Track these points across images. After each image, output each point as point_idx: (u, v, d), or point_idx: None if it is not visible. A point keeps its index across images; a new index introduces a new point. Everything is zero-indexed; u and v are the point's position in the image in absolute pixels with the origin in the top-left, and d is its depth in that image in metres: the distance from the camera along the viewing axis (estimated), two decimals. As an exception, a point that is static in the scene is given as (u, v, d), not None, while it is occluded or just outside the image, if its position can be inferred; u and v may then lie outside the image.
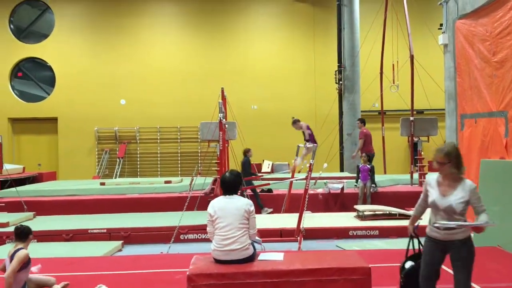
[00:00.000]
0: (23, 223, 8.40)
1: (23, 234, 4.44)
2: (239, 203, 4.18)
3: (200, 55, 18.32)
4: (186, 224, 7.93)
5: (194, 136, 17.93)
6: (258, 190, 10.60)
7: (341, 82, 15.23)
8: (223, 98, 9.97)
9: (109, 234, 7.96)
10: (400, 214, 8.57)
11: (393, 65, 13.31)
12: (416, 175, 11.83)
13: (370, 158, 10.74)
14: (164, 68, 18.19)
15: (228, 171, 4.41)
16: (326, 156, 12.45)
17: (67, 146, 18.01)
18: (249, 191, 9.87)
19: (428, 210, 4.16)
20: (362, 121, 11.72)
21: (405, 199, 10.27)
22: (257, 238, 4.37)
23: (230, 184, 4.26)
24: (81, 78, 18.03)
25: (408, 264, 4.16)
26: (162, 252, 6.89)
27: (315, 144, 8.03)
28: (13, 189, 10.87)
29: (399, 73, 13.18)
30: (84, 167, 17.91)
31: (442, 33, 8.16)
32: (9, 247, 4.47)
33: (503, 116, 6.46)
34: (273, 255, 4.33)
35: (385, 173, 13.94)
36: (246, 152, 10.72)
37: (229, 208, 4.14)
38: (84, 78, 18.03)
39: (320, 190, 10.63)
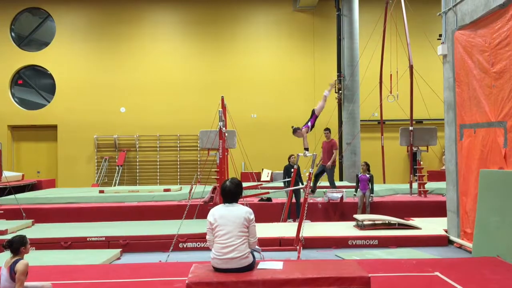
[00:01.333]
0: (22, 231, 8.43)
1: (13, 248, 4.33)
2: (239, 211, 4.19)
3: (200, 64, 18.39)
4: (185, 233, 7.91)
5: (194, 144, 17.95)
6: (257, 199, 10.61)
7: (340, 91, 15.28)
8: (223, 106, 9.99)
9: (108, 242, 7.93)
10: (400, 224, 8.56)
11: (391, 75, 13.37)
12: (415, 185, 11.84)
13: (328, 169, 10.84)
14: (164, 77, 18.25)
15: (229, 179, 4.41)
16: (326, 165, 12.43)
17: (67, 154, 18.01)
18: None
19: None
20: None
21: (404, 209, 10.29)
22: (256, 247, 4.37)
23: (230, 193, 4.27)
24: (81, 86, 18.08)
25: None
26: (160, 261, 6.87)
27: (314, 154, 8.04)
28: (12, 196, 10.85)
29: (398, 83, 13.24)
30: (83, 174, 17.91)
31: (441, 43, 8.20)
32: (7, 255, 4.43)
33: (502, 127, 6.48)
34: (272, 264, 4.33)
35: (384, 182, 13.95)
36: (289, 158, 10.68)
37: (229, 216, 4.15)
38: (84, 86, 18.09)
39: (319, 199, 10.62)
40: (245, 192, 8.81)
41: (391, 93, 13.24)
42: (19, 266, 4.24)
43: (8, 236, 7.75)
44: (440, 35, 8.40)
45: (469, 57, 7.33)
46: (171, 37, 18.66)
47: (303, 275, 4.02)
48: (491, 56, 6.73)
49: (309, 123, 9.23)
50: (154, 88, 18.21)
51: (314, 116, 9.27)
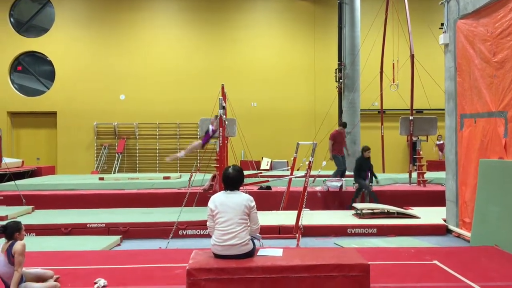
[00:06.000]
0: (22, 217, 8.45)
1: (7, 234, 4.32)
2: (240, 199, 4.20)
3: (200, 52, 18.31)
4: (185, 220, 7.95)
5: (193, 132, 17.95)
6: (256, 188, 10.64)
7: (341, 80, 15.23)
8: (223, 94, 9.96)
9: (108, 229, 7.96)
10: (399, 213, 8.60)
11: (393, 64, 13.32)
12: (414, 174, 11.87)
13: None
14: (164, 64, 18.18)
15: (231, 166, 4.41)
16: (325, 154, 12.46)
17: (66, 141, 18.01)
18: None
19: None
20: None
21: (403, 198, 10.31)
22: (257, 234, 4.39)
23: (232, 180, 4.28)
24: (81, 73, 18.02)
25: None
26: (160, 247, 6.90)
27: (314, 142, 8.02)
28: (12, 182, 10.87)
29: (399, 72, 13.20)
30: (83, 161, 17.92)
31: (443, 32, 8.16)
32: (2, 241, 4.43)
33: (503, 117, 6.48)
34: (272, 251, 4.35)
35: (383, 172, 13.97)
36: (363, 151, 10.27)
37: (230, 203, 4.16)
38: (83, 72, 18.03)
39: (318, 188, 10.65)
40: (245, 181, 8.82)
41: (393, 82, 13.20)
42: (17, 246, 4.24)
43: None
44: (442, 24, 8.36)
45: (471, 46, 7.31)
46: (171, 25, 18.56)
47: (303, 262, 4.04)
48: (493, 45, 6.71)
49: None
50: (154, 76, 18.15)
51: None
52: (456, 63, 7.79)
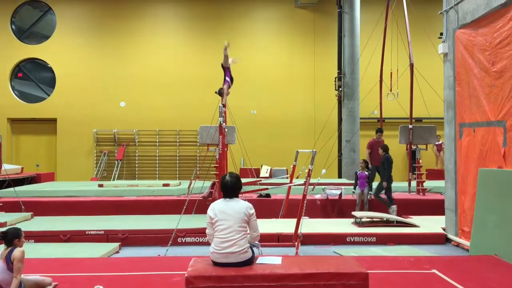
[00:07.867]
0: (21, 224, 8.45)
1: (7, 240, 4.33)
2: (239, 206, 4.21)
3: (200, 59, 18.36)
4: (184, 227, 7.95)
5: (193, 139, 17.96)
6: (256, 195, 10.64)
7: (340, 88, 15.28)
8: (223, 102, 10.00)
9: (107, 236, 7.96)
10: (398, 222, 8.60)
11: (391, 73, 13.37)
12: (414, 183, 11.88)
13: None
14: (164, 71, 18.23)
15: (228, 174, 4.42)
16: (325, 162, 12.49)
17: (66, 147, 18.01)
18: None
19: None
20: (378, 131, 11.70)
21: (402, 207, 10.31)
22: (256, 242, 4.40)
23: (230, 187, 4.28)
24: (81, 80, 18.06)
25: None
26: (159, 255, 6.89)
27: (314, 150, 8.03)
28: (11, 189, 10.86)
29: (398, 81, 13.25)
30: (83, 168, 17.91)
31: (442, 42, 8.21)
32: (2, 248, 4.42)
33: (502, 126, 6.50)
34: (271, 259, 4.35)
35: (383, 180, 13.95)
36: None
37: (229, 211, 4.17)
38: (84, 80, 18.06)
39: (318, 196, 10.65)
40: (244, 188, 8.83)
41: (391, 91, 13.25)
42: (16, 253, 4.24)
43: (8, 229, 7.76)
44: (441, 34, 8.41)
45: (470, 56, 7.35)
46: (171, 32, 18.63)
47: (302, 270, 4.05)
48: (491, 55, 6.75)
49: (227, 78, 9.89)
50: (154, 83, 18.19)
51: (226, 70, 10.03)
52: (455, 72, 7.83)
